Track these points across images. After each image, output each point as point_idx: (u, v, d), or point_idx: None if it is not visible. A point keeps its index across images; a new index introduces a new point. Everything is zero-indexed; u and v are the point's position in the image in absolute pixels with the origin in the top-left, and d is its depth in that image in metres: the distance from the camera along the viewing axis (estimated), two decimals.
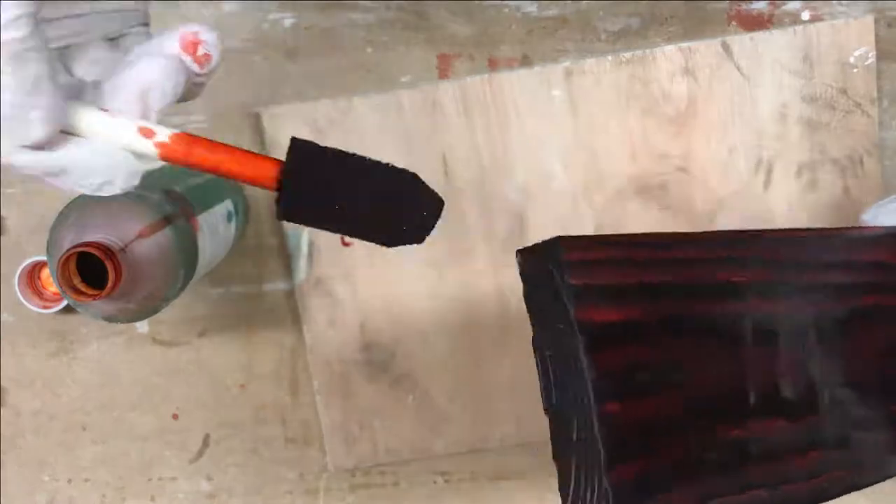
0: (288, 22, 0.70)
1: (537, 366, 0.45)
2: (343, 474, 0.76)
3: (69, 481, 0.76)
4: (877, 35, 0.69)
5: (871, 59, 0.69)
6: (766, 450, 0.46)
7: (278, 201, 0.42)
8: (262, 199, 0.72)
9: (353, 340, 0.73)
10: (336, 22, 0.70)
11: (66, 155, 0.40)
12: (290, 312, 0.73)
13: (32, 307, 0.72)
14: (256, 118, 0.70)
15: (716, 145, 0.70)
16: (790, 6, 0.69)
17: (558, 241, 0.43)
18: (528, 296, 0.45)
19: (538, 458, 0.75)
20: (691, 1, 0.70)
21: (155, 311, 0.58)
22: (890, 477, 0.52)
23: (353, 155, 0.42)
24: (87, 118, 0.40)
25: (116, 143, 0.41)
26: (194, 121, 0.71)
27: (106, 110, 0.41)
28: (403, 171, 0.43)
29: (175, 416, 0.75)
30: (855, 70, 0.69)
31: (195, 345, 0.74)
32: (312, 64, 0.71)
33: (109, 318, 0.57)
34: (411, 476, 0.76)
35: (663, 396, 0.43)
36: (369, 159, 0.43)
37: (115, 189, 0.42)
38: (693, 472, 0.43)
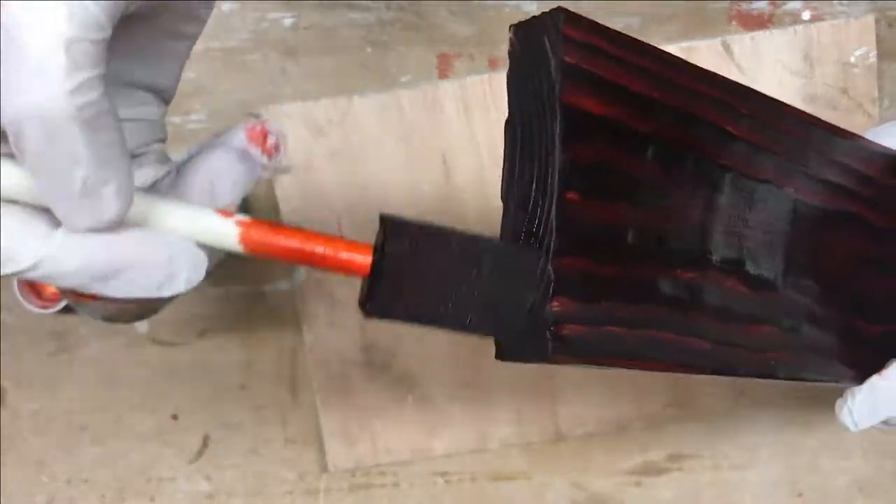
0: (287, 21, 0.70)
1: (505, 149, 0.42)
2: (343, 475, 0.76)
3: (68, 482, 0.76)
4: (878, 35, 0.69)
5: (872, 59, 0.69)
6: (719, 306, 0.45)
7: (364, 299, 0.38)
8: (263, 199, 0.72)
9: (353, 340, 0.73)
10: (336, 21, 0.70)
11: (122, 248, 0.34)
12: (291, 313, 0.73)
13: (31, 307, 0.72)
14: (256, 118, 0.70)
15: None
16: (791, 6, 0.69)
17: (560, 11, 0.40)
18: (512, 75, 0.42)
19: (539, 458, 0.75)
20: (692, 0, 0.70)
21: (154, 311, 0.58)
22: (828, 382, 0.52)
23: (451, 231, 0.38)
24: (150, 202, 0.35)
25: (188, 230, 0.36)
26: (194, 120, 0.71)
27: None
28: (505, 245, 0.39)
29: (174, 417, 0.75)
30: (856, 70, 0.69)
31: (195, 345, 0.74)
32: (312, 63, 0.71)
33: (109, 319, 0.57)
34: (411, 476, 0.76)
35: (628, 209, 0.42)
36: (467, 234, 0.38)
37: (180, 287, 0.36)
38: (641, 295, 0.42)
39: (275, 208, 0.71)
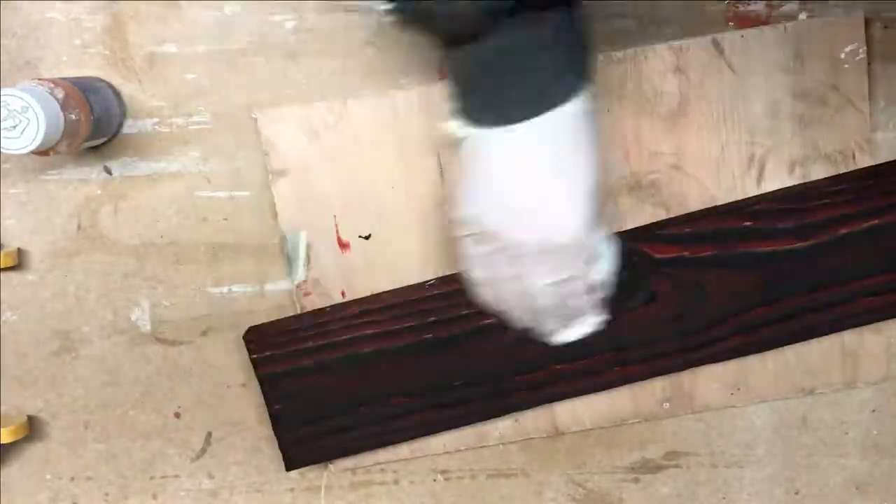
0: (289, 24, 0.71)
1: None
2: (344, 472, 0.76)
3: (72, 479, 0.77)
4: (873, 37, 0.69)
5: (862, 55, 0.69)
6: None
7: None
8: (260, 201, 0.72)
9: None
10: (337, 24, 0.71)
11: None
12: (291, 311, 0.74)
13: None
14: (254, 120, 0.71)
15: (708, 142, 0.70)
16: (787, 7, 0.70)
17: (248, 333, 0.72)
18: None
19: (538, 455, 0.76)
20: (689, 2, 0.70)
21: None
22: None
23: None
24: None
25: None
26: (196, 122, 0.72)
27: None
28: None
29: (177, 415, 0.76)
30: (846, 66, 0.69)
31: (197, 344, 0.75)
32: (314, 65, 0.71)
33: None
34: (411, 474, 0.76)
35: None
36: None
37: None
38: None
39: (272, 211, 0.72)
